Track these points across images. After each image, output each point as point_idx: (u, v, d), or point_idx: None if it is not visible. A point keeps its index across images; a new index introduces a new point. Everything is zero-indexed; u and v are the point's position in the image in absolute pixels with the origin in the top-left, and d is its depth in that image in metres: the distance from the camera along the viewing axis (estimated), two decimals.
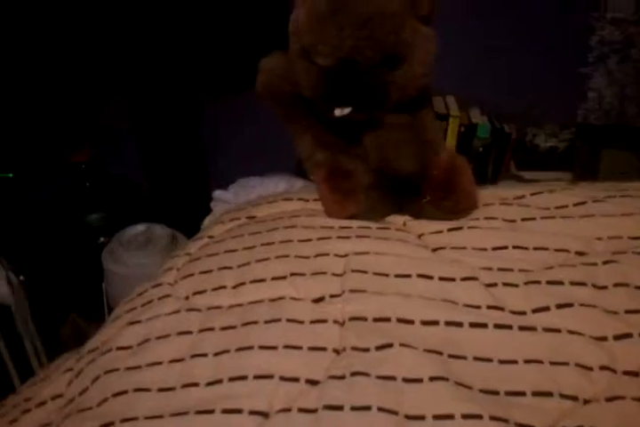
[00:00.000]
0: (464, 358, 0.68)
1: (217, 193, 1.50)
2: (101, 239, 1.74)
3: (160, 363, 0.73)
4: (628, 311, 0.73)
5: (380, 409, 0.62)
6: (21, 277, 1.64)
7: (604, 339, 0.70)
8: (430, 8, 0.83)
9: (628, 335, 0.70)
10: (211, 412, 0.64)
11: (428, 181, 0.90)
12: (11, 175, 1.89)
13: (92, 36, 1.71)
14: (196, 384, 0.69)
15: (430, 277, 0.78)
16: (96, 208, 1.81)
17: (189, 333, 0.76)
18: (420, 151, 0.91)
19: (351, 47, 0.79)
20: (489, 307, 0.74)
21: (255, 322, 0.74)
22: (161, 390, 0.69)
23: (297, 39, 0.86)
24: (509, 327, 0.71)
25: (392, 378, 0.65)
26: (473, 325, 0.72)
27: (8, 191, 1.89)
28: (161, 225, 1.68)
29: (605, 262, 0.79)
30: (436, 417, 0.61)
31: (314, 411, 0.63)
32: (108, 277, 1.63)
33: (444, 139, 1.64)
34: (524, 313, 0.73)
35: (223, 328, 0.75)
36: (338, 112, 0.84)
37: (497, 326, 0.71)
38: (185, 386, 0.69)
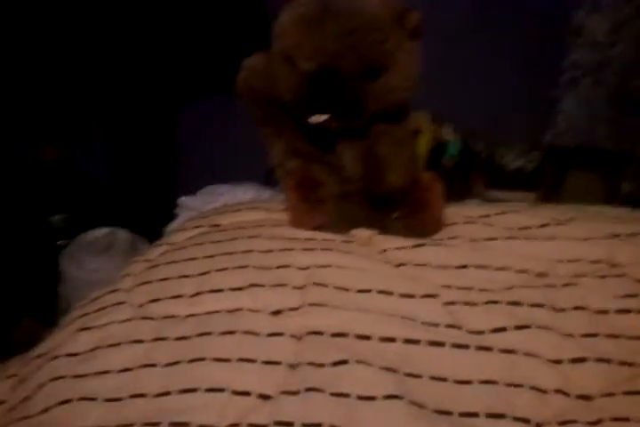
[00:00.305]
0: (420, 376, 0.68)
1: (182, 199, 1.49)
2: (60, 241, 1.71)
3: (108, 372, 0.71)
4: (584, 335, 0.73)
5: None
6: None
7: (559, 362, 0.70)
8: (414, 25, 0.83)
9: (583, 359, 0.70)
10: (157, 424, 0.63)
11: (402, 197, 0.90)
12: None
13: (63, 34, 1.68)
14: (143, 395, 0.67)
15: (391, 293, 0.77)
16: (59, 209, 1.78)
17: (141, 341, 0.74)
18: (411, 166, 0.91)
19: (334, 54, 0.79)
20: (447, 326, 0.74)
21: (210, 333, 0.73)
22: (108, 400, 0.68)
23: (280, 42, 0.85)
24: (466, 347, 0.71)
25: (346, 395, 0.64)
26: (430, 343, 0.71)
27: None
28: (123, 229, 1.65)
29: (565, 285, 0.79)
30: None
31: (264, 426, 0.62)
32: (64, 281, 1.60)
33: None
34: (482, 333, 0.73)
35: (177, 338, 0.73)
36: (314, 119, 0.83)
37: (454, 346, 0.71)
38: (133, 397, 0.67)
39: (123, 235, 1.65)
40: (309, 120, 0.83)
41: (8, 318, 1.75)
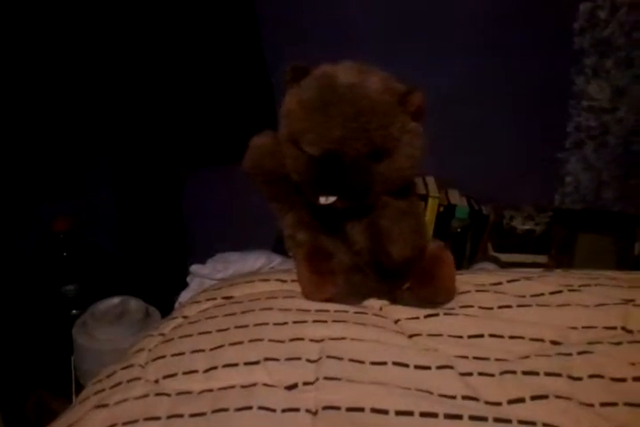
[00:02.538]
0: None
1: (194, 267, 1.50)
2: (74, 311, 1.71)
3: None
4: (603, 404, 0.72)
5: None
6: None
7: None
8: (417, 106, 0.85)
9: None
10: None
11: (412, 268, 0.90)
12: None
13: (73, 103, 1.73)
14: None
15: (406, 366, 0.77)
16: (71, 279, 1.79)
17: (157, 418, 0.73)
18: (415, 237, 0.91)
19: (339, 139, 0.81)
20: (464, 397, 0.73)
21: (226, 409, 0.72)
22: None
23: (286, 124, 0.88)
24: (485, 419, 0.70)
25: None
26: (448, 416, 0.70)
27: None
28: (135, 299, 1.66)
29: (580, 353, 0.79)
30: None
31: None
32: (78, 351, 1.59)
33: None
34: (499, 404, 0.72)
35: (192, 415, 0.72)
36: (323, 200, 0.85)
37: (472, 418, 0.70)
38: None
39: (135, 304, 1.65)
40: (319, 201, 0.85)
41: (21, 389, 1.74)
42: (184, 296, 1.44)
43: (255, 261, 1.47)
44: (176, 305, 1.44)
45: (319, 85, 0.85)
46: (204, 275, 1.47)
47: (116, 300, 1.66)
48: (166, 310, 1.19)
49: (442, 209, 1.69)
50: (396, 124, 0.83)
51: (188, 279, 1.51)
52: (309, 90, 0.85)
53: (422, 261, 0.89)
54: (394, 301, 0.91)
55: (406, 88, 0.86)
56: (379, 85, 0.84)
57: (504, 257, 1.68)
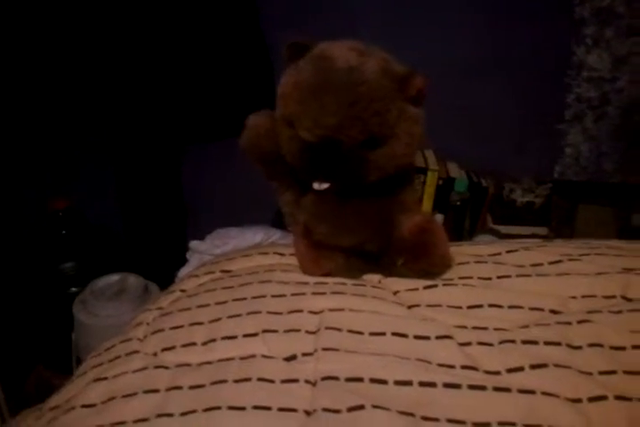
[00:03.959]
0: (437, 420, 0.67)
1: (193, 243, 1.50)
2: (73, 289, 1.71)
3: (124, 422, 0.70)
4: (602, 373, 0.72)
5: None
6: None
7: (578, 401, 0.69)
8: (418, 90, 0.82)
9: (602, 397, 0.69)
10: None
11: (400, 244, 0.89)
12: None
13: (71, 81, 1.71)
14: None
15: (405, 336, 0.76)
16: (70, 257, 1.79)
17: (156, 391, 0.73)
18: (383, 228, 0.90)
19: (334, 126, 0.79)
20: (463, 367, 0.73)
21: (224, 381, 0.72)
22: None
23: (282, 105, 0.86)
24: (483, 388, 0.70)
25: None
26: (447, 385, 0.70)
27: None
28: (135, 275, 1.66)
29: (580, 322, 0.78)
30: None
31: None
32: (77, 328, 1.60)
33: (422, 193, 1.66)
34: (498, 373, 0.72)
35: (191, 387, 0.73)
36: (316, 186, 0.84)
37: (471, 387, 0.70)
38: None
39: (134, 280, 1.65)
40: (312, 186, 0.85)
41: (21, 366, 1.75)
42: (184, 272, 1.44)
43: (254, 236, 1.47)
44: (176, 281, 1.44)
45: (316, 68, 0.82)
46: (203, 251, 1.47)
47: (115, 277, 1.66)
48: (166, 286, 1.19)
49: (441, 182, 1.68)
50: (393, 111, 0.81)
51: (188, 255, 1.51)
52: (306, 72, 0.83)
53: (412, 236, 0.88)
54: (392, 275, 0.91)
55: (406, 71, 0.83)
56: (377, 69, 0.81)
57: (504, 229, 1.67)
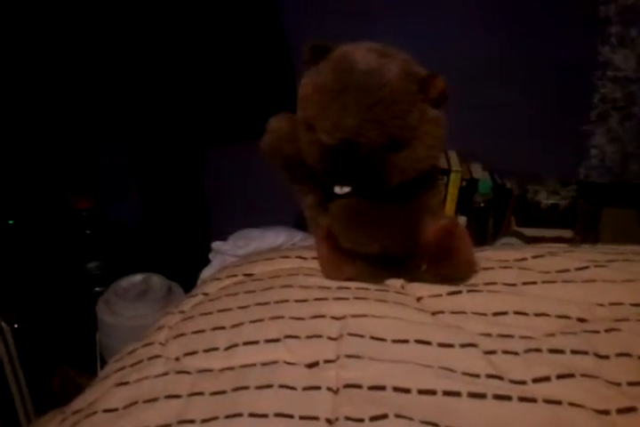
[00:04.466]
0: None
1: (216, 244, 1.50)
2: (97, 288, 1.73)
3: None
4: (630, 383, 0.71)
5: None
6: (15, 326, 1.62)
7: (606, 412, 0.67)
8: (439, 92, 0.81)
9: (631, 409, 0.68)
10: None
11: (424, 248, 0.88)
12: (11, 222, 1.89)
13: (95, 83, 1.72)
14: None
15: (429, 343, 0.76)
16: (95, 256, 1.80)
17: (178, 397, 0.73)
18: (411, 232, 0.89)
19: (355, 128, 0.78)
20: (488, 376, 0.72)
21: (246, 387, 0.72)
22: None
23: (302, 108, 0.85)
24: (509, 398, 0.69)
25: None
26: (471, 395, 0.69)
27: (8, 238, 1.88)
28: (158, 275, 1.67)
29: (607, 330, 0.77)
30: None
31: None
32: (102, 328, 1.61)
33: (445, 195, 1.64)
34: (524, 383, 0.71)
35: (213, 393, 0.72)
36: (338, 190, 0.84)
37: (496, 397, 0.69)
38: None
39: (157, 281, 1.66)
40: (334, 190, 0.84)
41: (46, 365, 1.76)
42: (206, 273, 1.44)
43: (276, 237, 1.47)
44: (199, 282, 1.44)
45: (337, 70, 0.81)
46: (225, 251, 1.47)
47: (138, 277, 1.67)
48: (189, 286, 1.19)
49: (464, 183, 1.67)
50: (414, 113, 0.80)
51: (211, 256, 1.51)
52: (326, 74, 0.82)
53: (436, 240, 0.87)
54: (415, 280, 0.90)
55: (427, 73, 0.82)
56: (398, 71, 0.80)
57: (528, 232, 1.65)
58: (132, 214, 1.95)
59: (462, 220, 1.67)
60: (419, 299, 0.86)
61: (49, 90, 1.74)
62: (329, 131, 0.80)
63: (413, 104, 0.80)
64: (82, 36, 1.64)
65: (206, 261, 1.50)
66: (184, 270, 1.63)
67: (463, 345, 0.75)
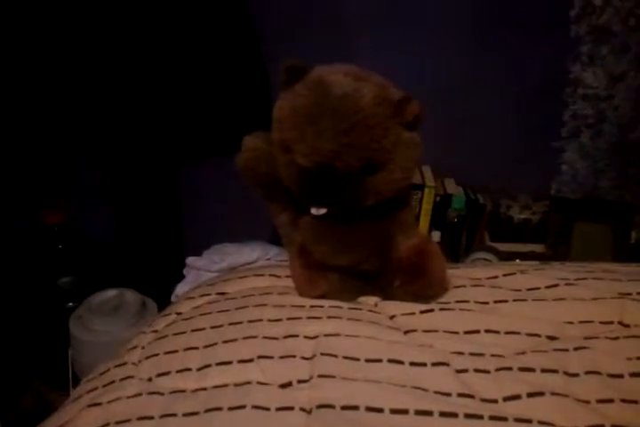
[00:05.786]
0: None
1: (190, 259, 1.49)
2: (70, 304, 1.71)
3: None
4: (599, 401, 0.72)
5: None
6: None
7: None
8: (414, 115, 0.82)
9: None
10: None
11: (397, 265, 0.89)
12: None
13: (66, 97, 1.71)
14: None
15: (401, 362, 0.76)
16: (67, 271, 1.78)
17: (150, 418, 0.73)
18: (382, 250, 0.90)
19: (331, 152, 0.79)
20: (459, 395, 0.72)
21: (219, 408, 0.71)
22: None
23: (278, 128, 0.85)
24: (480, 417, 0.69)
25: None
26: (443, 414, 0.70)
27: None
28: (132, 291, 1.65)
29: (576, 349, 0.78)
30: None
31: None
32: (74, 344, 1.59)
33: (419, 210, 1.65)
34: (495, 401, 0.72)
35: (185, 414, 0.72)
36: (314, 211, 0.84)
37: (467, 416, 0.69)
38: None
39: (131, 296, 1.64)
40: (310, 211, 0.85)
41: (18, 381, 1.74)
42: (180, 288, 1.44)
43: (251, 252, 1.47)
44: (172, 297, 1.43)
45: (312, 94, 0.81)
46: (200, 267, 1.46)
47: (112, 292, 1.65)
48: (163, 302, 1.18)
49: (438, 199, 1.68)
50: (389, 137, 0.80)
51: (185, 271, 1.50)
52: (302, 98, 0.82)
53: (409, 257, 0.88)
54: (389, 297, 0.91)
55: (402, 96, 0.82)
56: (373, 96, 0.80)
57: (501, 247, 1.67)
58: (106, 229, 1.93)
59: (436, 234, 1.68)
60: (392, 317, 0.86)
61: (21, 105, 1.73)
62: (306, 154, 0.81)
63: (388, 128, 0.80)
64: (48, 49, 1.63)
65: (180, 277, 1.49)
66: (158, 286, 1.62)
67: (435, 364, 0.76)
